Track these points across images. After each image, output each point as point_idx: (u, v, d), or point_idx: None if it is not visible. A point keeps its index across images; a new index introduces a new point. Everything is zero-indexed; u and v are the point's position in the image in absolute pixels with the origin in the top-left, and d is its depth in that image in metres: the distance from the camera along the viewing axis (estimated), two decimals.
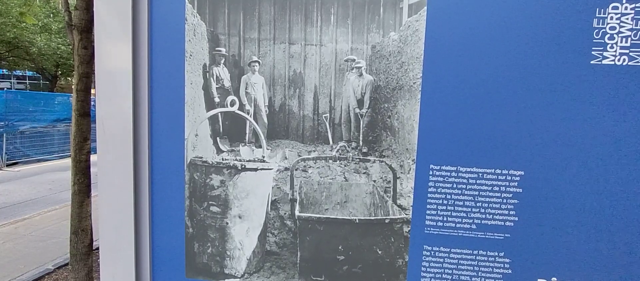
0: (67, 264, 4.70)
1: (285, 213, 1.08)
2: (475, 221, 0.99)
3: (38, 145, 11.99)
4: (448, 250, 1.01)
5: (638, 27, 0.87)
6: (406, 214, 1.02)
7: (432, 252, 1.02)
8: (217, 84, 1.06)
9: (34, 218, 6.63)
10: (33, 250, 5.36)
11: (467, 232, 0.99)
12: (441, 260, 1.02)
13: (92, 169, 3.35)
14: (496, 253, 0.99)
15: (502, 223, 0.98)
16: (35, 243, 5.57)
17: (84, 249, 3.45)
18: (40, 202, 7.54)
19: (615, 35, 0.88)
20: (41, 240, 5.71)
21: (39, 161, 11.76)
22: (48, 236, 5.83)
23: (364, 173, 1.03)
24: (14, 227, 6.19)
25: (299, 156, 1.05)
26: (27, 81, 26.90)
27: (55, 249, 5.35)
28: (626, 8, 0.87)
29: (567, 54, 0.90)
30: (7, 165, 10.81)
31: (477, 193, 0.98)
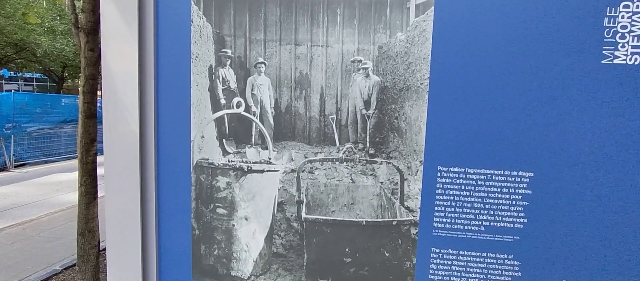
0: (74, 265, 4.73)
1: (291, 215, 1.07)
2: (484, 223, 0.97)
3: (45, 146, 12.08)
4: (456, 252, 1.00)
5: None
6: (414, 216, 1.01)
7: (440, 254, 1.01)
8: (223, 86, 1.06)
9: (42, 219, 6.68)
10: (41, 250, 5.40)
11: (476, 234, 0.98)
12: (449, 263, 1.00)
13: (98, 171, 3.37)
14: (505, 256, 0.98)
15: (512, 225, 0.96)
16: (43, 244, 5.62)
17: (91, 250, 3.47)
18: (47, 203, 7.60)
19: (626, 35, 0.86)
20: (49, 240, 5.75)
21: (46, 162, 11.85)
22: (55, 237, 5.87)
23: (371, 175, 1.02)
24: (22, 228, 6.24)
25: (306, 157, 1.05)
26: (34, 83, 27.16)
27: (63, 250, 5.39)
28: (637, 7, 0.85)
29: (578, 53, 0.88)
30: (15, 166, 10.91)
31: (485, 194, 0.96)
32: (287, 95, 1.04)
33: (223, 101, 1.06)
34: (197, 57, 1.05)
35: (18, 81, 25.99)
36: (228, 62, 1.05)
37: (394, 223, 1.02)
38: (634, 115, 0.88)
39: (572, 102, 0.90)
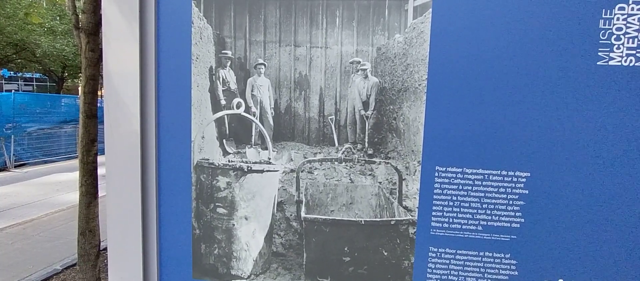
0: (74, 264, 4.74)
1: (291, 215, 1.08)
2: (481, 222, 0.98)
3: (45, 146, 12.09)
4: (454, 251, 1.01)
5: None
6: (412, 215, 1.02)
7: (438, 254, 1.02)
8: (223, 87, 1.07)
9: (42, 219, 6.69)
10: (41, 250, 5.41)
11: (473, 233, 0.99)
12: (447, 262, 1.02)
13: (99, 171, 3.38)
14: (502, 255, 0.99)
15: (508, 225, 0.97)
16: (43, 244, 5.63)
17: (92, 250, 3.48)
18: (47, 203, 7.61)
19: (621, 36, 0.88)
20: (49, 240, 5.76)
21: (46, 162, 11.85)
22: (56, 237, 5.88)
23: (370, 175, 1.03)
24: (22, 228, 6.25)
25: (305, 157, 1.06)
26: (34, 83, 27.15)
27: (63, 250, 5.40)
28: (632, 9, 0.86)
29: (574, 55, 0.90)
30: (15, 166, 10.92)
31: (483, 194, 0.97)
32: (286, 96, 1.05)
33: (223, 102, 1.07)
34: (197, 58, 1.06)
35: (18, 81, 25.98)
36: (228, 64, 1.06)
37: (392, 222, 1.03)
38: (629, 115, 0.90)
39: (567, 103, 0.91)
